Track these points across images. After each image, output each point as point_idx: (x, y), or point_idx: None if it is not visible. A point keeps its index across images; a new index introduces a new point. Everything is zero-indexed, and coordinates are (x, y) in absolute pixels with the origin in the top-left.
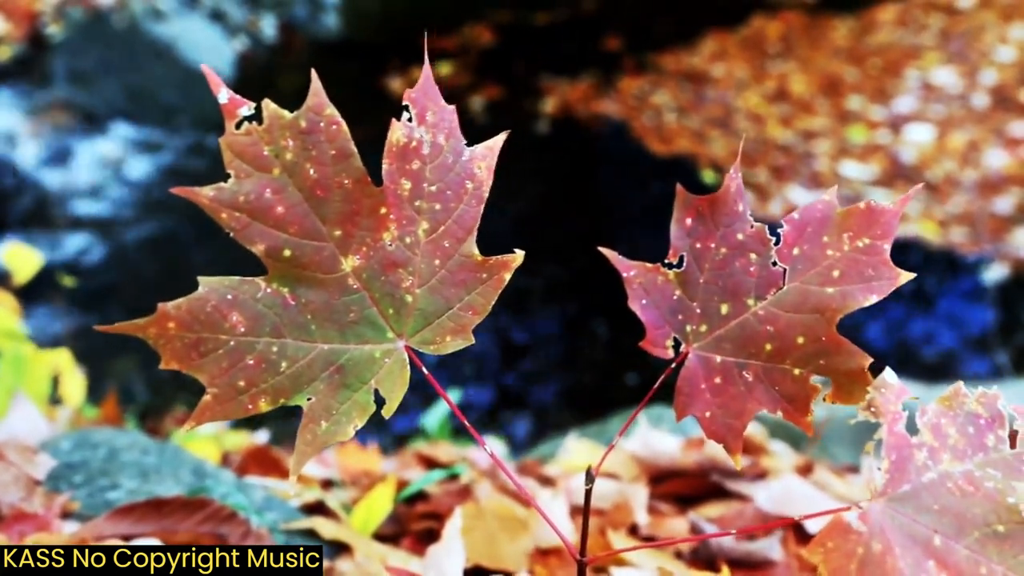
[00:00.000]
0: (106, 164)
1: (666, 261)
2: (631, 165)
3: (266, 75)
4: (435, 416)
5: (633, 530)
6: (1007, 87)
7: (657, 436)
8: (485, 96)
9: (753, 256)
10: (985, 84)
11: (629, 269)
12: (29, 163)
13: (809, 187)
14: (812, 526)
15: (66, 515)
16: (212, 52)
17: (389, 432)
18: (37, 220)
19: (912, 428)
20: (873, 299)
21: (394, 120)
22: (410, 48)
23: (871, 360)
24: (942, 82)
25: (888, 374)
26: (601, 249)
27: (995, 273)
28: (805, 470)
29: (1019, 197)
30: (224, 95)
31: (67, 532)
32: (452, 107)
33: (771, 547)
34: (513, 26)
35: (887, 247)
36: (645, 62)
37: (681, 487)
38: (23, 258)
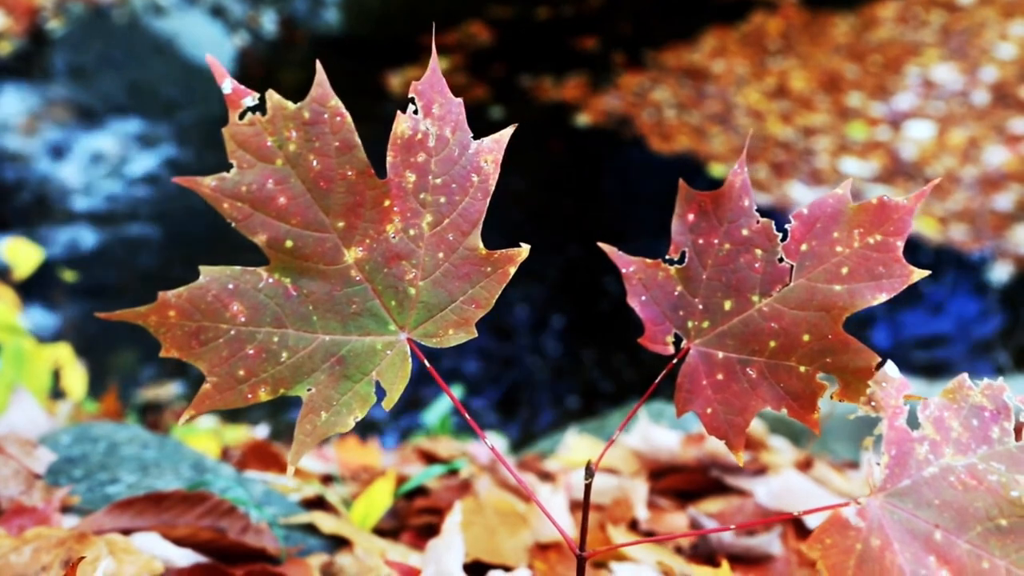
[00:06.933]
0: (106, 159)
1: (667, 257)
2: (632, 161)
3: (266, 70)
4: (436, 411)
5: (633, 525)
6: (1007, 84)
7: (657, 431)
8: (478, 94)
9: (759, 252)
10: (985, 81)
11: (628, 265)
12: (30, 158)
13: (809, 184)
14: (812, 521)
15: (66, 509)
16: (212, 47)
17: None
18: (38, 215)
19: (914, 422)
20: (883, 297)
21: (399, 112)
22: (410, 44)
23: (879, 359)
24: (942, 79)
25: (890, 368)
26: (600, 245)
27: (998, 273)
28: (805, 465)
29: (1019, 194)
30: (228, 85)
31: (67, 526)
32: (459, 100)
33: (771, 542)
34: (513, 22)
35: (900, 244)
36: (645, 58)
37: (681, 482)
38: (24, 253)
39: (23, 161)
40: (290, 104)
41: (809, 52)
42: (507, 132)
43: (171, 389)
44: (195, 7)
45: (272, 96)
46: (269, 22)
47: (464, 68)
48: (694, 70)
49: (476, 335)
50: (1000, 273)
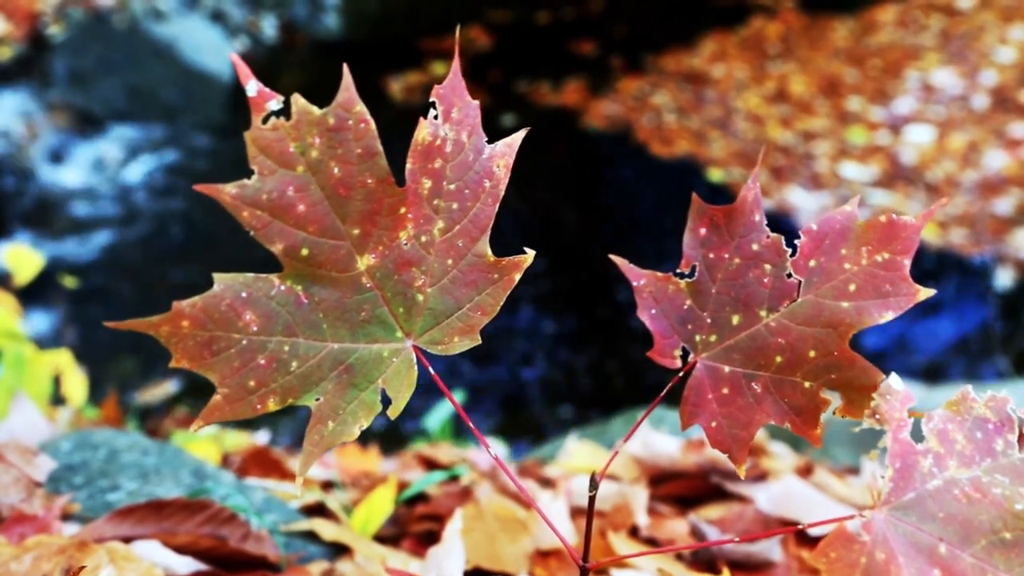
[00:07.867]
0: (106, 164)
1: (678, 271)
2: (632, 166)
3: (267, 75)
4: (437, 417)
5: (633, 532)
6: (1007, 88)
7: (657, 438)
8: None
9: (768, 267)
10: (985, 85)
11: (639, 278)
12: (30, 164)
13: (809, 188)
14: (813, 528)
15: (66, 517)
16: (212, 52)
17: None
18: (38, 221)
19: (918, 434)
20: (889, 316)
21: (421, 118)
22: (409, 49)
23: (884, 377)
24: (942, 83)
25: (893, 380)
26: (612, 257)
27: (998, 277)
28: (805, 471)
29: (1019, 198)
30: (253, 87)
31: (67, 534)
32: (476, 102)
33: (771, 549)
34: (512, 26)
35: (907, 262)
36: (644, 63)
37: (681, 488)
38: (24, 259)
39: (23, 166)
40: (315, 109)
41: (809, 56)
42: (519, 136)
43: (167, 387)
44: (195, 12)
45: (297, 100)
46: (269, 26)
47: (463, 73)
48: (694, 74)
49: (480, 342)
50: (1000, 277)
